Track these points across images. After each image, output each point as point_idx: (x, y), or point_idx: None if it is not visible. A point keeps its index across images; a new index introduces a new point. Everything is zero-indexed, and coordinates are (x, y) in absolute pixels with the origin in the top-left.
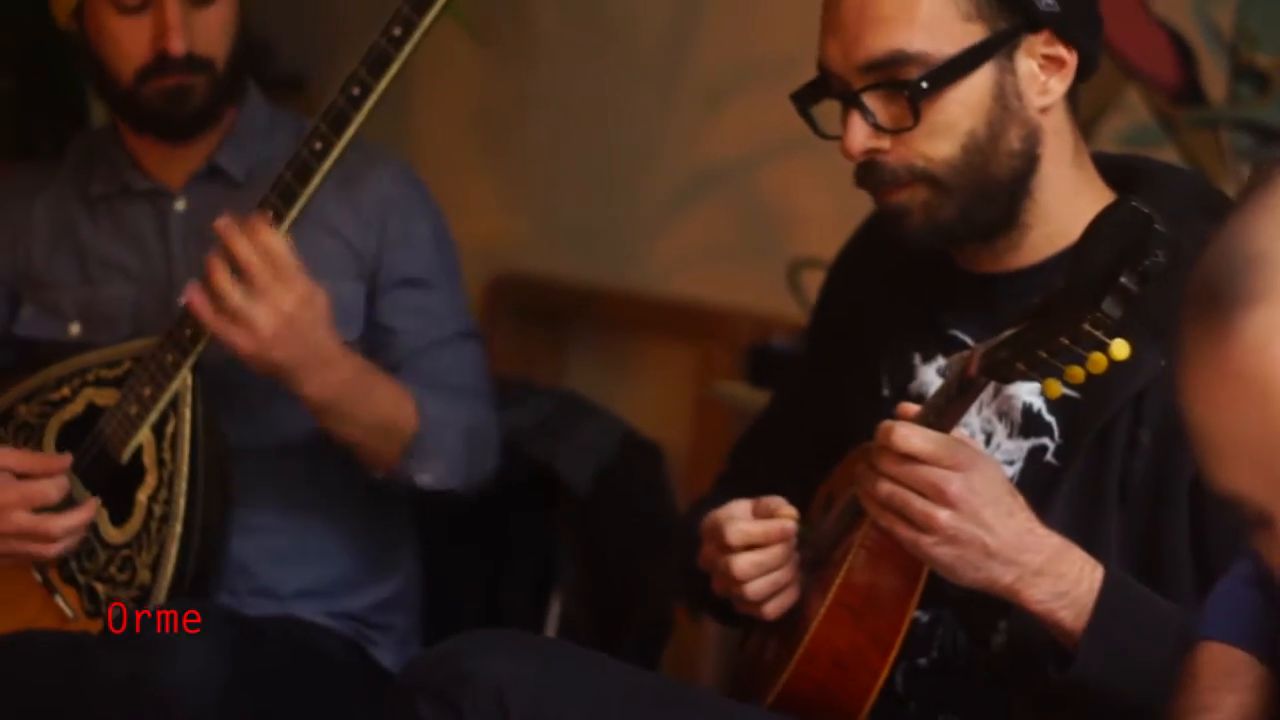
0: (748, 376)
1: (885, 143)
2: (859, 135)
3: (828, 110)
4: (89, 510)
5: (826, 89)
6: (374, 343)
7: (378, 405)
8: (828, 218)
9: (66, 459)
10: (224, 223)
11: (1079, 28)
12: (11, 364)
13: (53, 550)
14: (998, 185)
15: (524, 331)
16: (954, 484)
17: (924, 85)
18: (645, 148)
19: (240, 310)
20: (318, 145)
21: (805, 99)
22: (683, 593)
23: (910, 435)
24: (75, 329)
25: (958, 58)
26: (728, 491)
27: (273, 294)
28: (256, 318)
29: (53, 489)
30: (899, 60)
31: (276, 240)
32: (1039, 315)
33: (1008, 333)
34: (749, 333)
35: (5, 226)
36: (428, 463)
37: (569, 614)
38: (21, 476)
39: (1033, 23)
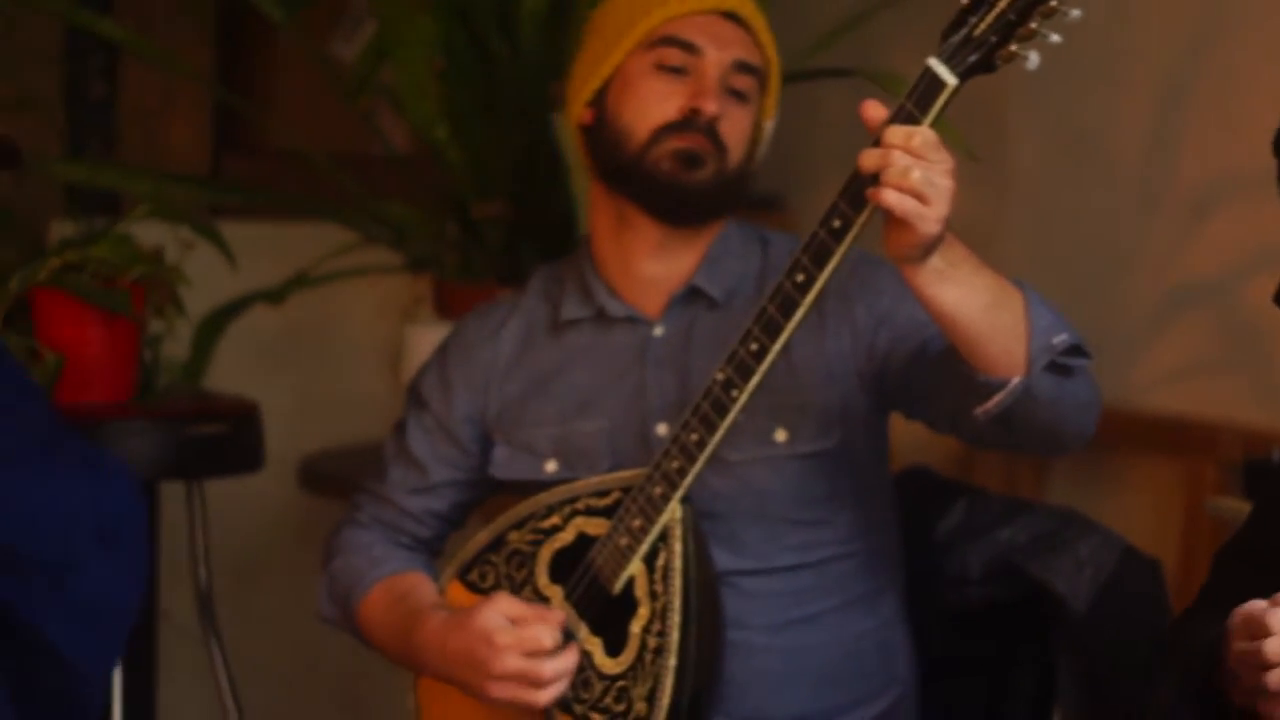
0: (1245, 492)
1: None
2: None
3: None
4: (575, 655)
5: None
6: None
7: (987, 268)
8: None
9: (561, 615)
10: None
11: None
12: (479, 501)
13: (543, 698)
14: None
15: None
16: None
17: None
18: (1126, 260)
19: (921, 181)
20: (800, 278)
21: None
22: (1182, 709)
23: None
24: (552, 466)
25: None
26: (1213, 601)
27: (934, 163)
28: (938, 184)
29: (546, 635)
30: None
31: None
32: None
33: None
34: (1240, 447)
35: (476, 369)
36: (1055, 318)
37: None
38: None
39: None
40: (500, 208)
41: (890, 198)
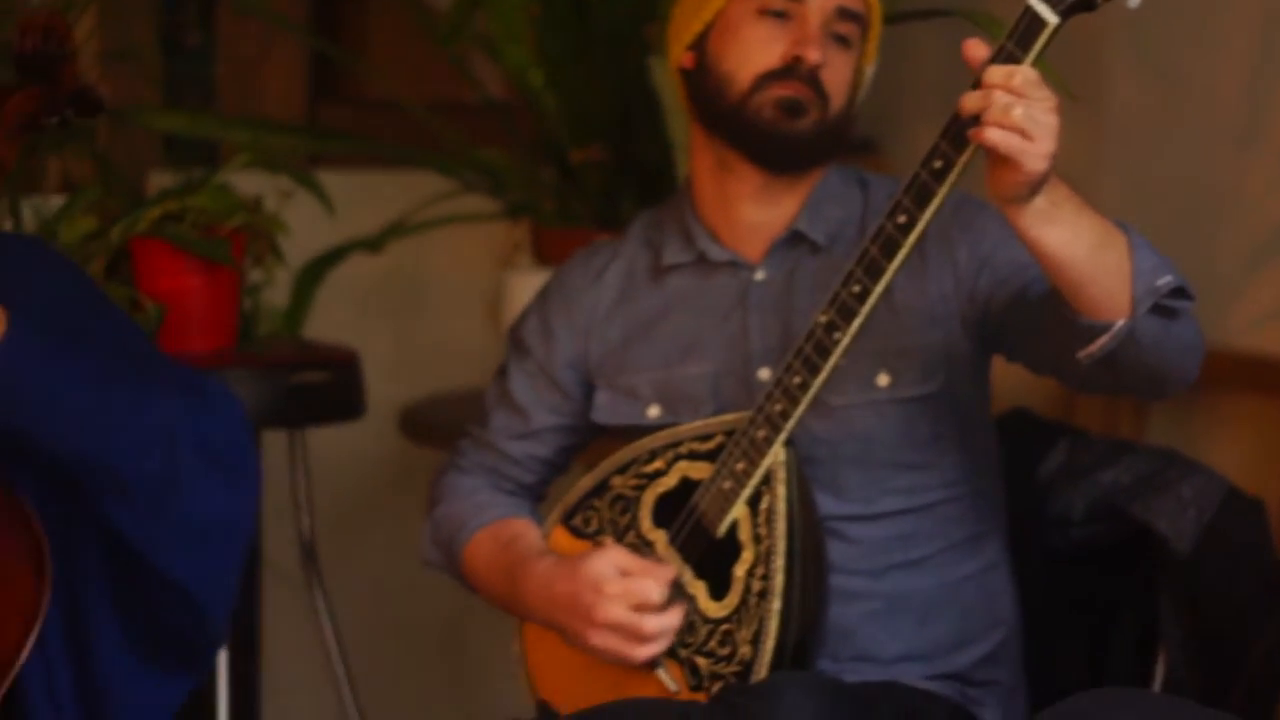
0: None
1: None
2: None
3: None
4: (680, 614)
5: None
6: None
7: (1090, 209)
8: None
9: (672, 571)
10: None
11: None
12: (582, 446)
13: (643, 653)
14: None
15: None
16: None
17: None
18: (1225, 199)
19: (1024, 117)
20: (902, 219)
21: None
22: None
23: None
24: (654, 411)
25: None
26: None
27: (1036, 100)
28: (1042, 121)
29: (655, 591)
30: None
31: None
32: None
33: None
34: None
35: (577, 315)
36: (1159, 260)
37: (1175, 673)
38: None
39: None
40: (597, 153)
41: (994, 135)
